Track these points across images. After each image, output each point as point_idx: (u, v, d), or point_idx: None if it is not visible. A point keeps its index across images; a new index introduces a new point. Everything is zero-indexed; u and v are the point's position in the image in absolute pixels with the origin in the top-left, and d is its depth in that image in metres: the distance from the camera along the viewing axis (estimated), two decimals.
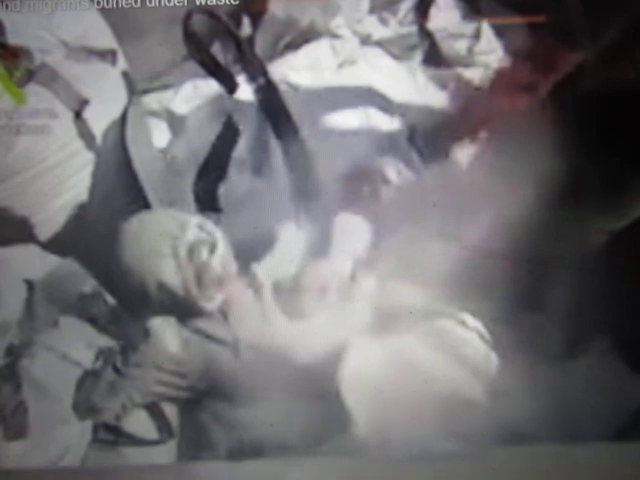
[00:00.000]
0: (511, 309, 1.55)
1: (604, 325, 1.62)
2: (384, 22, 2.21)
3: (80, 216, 1.85)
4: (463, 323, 1.54)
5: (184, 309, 1.63)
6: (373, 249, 1.71)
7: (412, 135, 1.99)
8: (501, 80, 2.01)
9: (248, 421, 1.48)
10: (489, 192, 1.60)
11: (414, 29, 2.20)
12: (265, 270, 1.71)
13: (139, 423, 1.54)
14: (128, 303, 1.65)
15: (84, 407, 1.52)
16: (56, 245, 1.84)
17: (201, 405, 1.56)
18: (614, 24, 1.63)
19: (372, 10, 2.20)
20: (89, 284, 1.70)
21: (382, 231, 1.72)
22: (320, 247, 1.75)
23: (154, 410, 1.55)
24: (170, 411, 1.57)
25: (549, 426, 1.42)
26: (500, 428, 1.36)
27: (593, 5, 1.81)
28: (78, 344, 1.58)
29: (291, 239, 1.78)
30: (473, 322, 1.54)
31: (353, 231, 1.76)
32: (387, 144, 1.97)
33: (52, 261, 1.80)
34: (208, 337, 1.60)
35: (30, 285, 1.72)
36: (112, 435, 1.52)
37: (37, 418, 1.49)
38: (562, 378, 1.53)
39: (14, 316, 1.66)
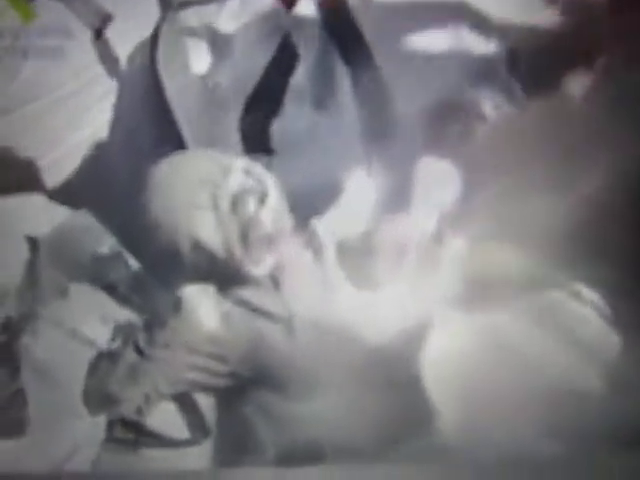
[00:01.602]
0: (635, 278, 1.41)
1: None
2: None
3: (98, 158, 1.78)
4: (576, 295, 1.42)
5: (225, 275, 1.53)
6: (463, 202, 1.60)
7: (513, 61, 1.82)
8: None
9: (303, 417, 1.38)
10: (608, 132, 1.50)
11: None
12: (328, 227, 1.61)
13: (166, 418, 1.44)
14: (155, 267, 1.57)
15: (97, 397, 1.43)
16: (67, 194, 1.74)
17: (244, 397, 1.46)
18: None
19: None
20: (106, 243, 1.61)
21: (475, 180, 1.60)
22: (397, 199, 1.64)
23: (185, 402, 1.45)
24: (205, 404, 1.47)
25: None
26: (616, 427, 1.25)
27: None
28: (91, 318, 1.49)
29: (361, 188, 1.68)
30: (589, 294, 1.42)
31: (439, 180, 1.65)
32: (482, 71, 1.81)
33: (61, 214, 1.69)
34: (255, 310, 1.49)
35: (34, 243, 1.62)
36: (132, 433, 1.42)
37: (38, 410, 1.41)
38: None
39: (13, 282, 1.57)
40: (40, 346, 1.45)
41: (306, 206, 1.62)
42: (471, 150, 1.69)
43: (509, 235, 1.48)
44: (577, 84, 1.72)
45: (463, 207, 1.59)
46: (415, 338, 1.38)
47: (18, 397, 1.40)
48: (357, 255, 1.56)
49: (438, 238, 1.56)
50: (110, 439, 1.41)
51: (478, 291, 1.45)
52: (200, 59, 1.87)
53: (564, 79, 1.73)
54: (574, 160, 1.52)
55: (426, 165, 1.67)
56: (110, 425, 1.42)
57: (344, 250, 1.58)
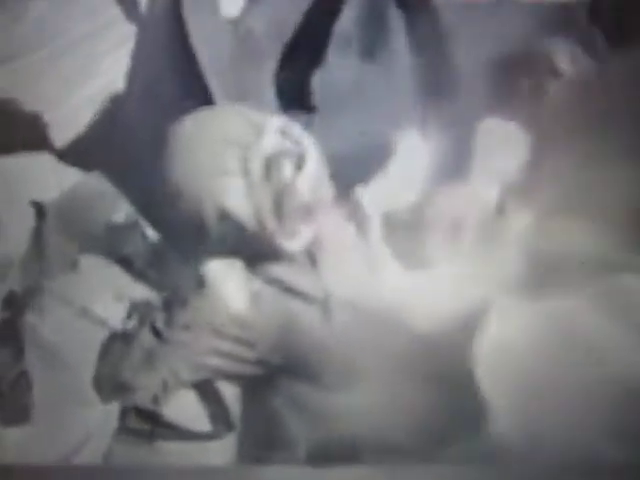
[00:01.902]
0: None
1: None
2: None
3: (113, 113, 1.84)
4: None
5: (255, 249, 1.61)
6: (531, 171, 1.62)
7: (596, 6, 1.88)
8: None
9: (339, 410, 1.45)
10: None
11: None
12: (374, 196, 1.68)
13: (185, 409, 1.53)
14: (176, 239, 1.65)
15: (110, 383, 1.52)
16: (78, 154, 1.80)
17: (273, 387, 1.53)
18: None
19: None
20: (122, 210, 1.70)
21: (545, 145, 1.63)
22: (454, 166, 1.71)
23: (207, 391, 1.54)
24: (229, 394, 1.55)
25: None
26: None
27: None
28: (104, 295, 1.58)
29: (413, 153, 1.74)
30: None
31: (503, 144, 1.71)
32: (558, 19, 1.87)
33: (71, 177, 1.78)
34: (288, 290, 1.57)
35: (40, 209, 1.71)
36: (147, 423, 1.51)
37: (44, 395, 1.50)
38: None
39: (17, 253, 1.66)
40: (46, 324, 1.53)
41: (349, 172, 1.67)
42: (542, 110, 1.72)
43: (582, 210, 1.50)
44: None
45: (530, 177, 1.61)
46: (469, 325, 1.41)
47: (22, 380, 1.49)
48: (406, 229, 1.62)
49: (500, 212, 1.60)
50: (123, 429, 1.50)
51: (544, 273, 1.47)
52: (231, 0, 1.91)
53: None
54: None
55: (489, 127, 1.74)
56: (123, 414, 1.50)
57: (391, 223, 1.64)
